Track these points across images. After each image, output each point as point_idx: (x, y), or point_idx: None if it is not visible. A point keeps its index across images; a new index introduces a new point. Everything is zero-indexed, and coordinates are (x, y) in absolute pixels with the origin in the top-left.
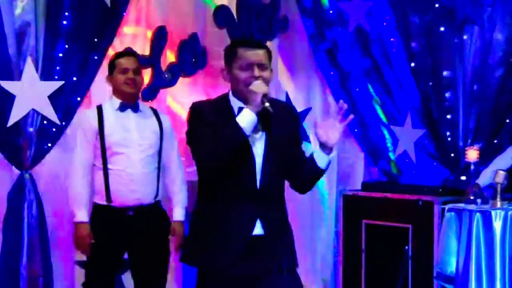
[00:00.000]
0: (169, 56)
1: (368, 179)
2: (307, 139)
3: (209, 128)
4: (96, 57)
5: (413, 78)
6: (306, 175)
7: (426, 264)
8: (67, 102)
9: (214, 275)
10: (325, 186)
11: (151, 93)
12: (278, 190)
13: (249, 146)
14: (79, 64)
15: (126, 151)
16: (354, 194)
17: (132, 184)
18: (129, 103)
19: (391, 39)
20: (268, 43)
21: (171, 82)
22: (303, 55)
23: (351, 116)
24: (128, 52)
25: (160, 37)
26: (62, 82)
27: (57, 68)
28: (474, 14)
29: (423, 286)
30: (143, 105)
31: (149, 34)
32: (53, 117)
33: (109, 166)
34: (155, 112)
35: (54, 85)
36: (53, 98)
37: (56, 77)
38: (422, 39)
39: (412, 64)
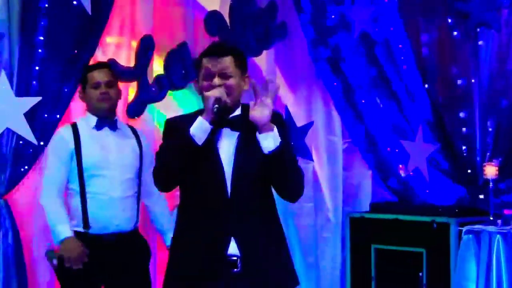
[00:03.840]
0: (157, 68)
1: (376, 199)
2: (308, 156)
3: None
4: (76, 70)
5: (424, 88)
6: (271, 175)
7: None
8: (45, 120)
9: None
10: (329, 207)
11: (137, 108)
12: (258, 200)
13: (212, 153)
14: (57, 78)
15: (105, 173)
16: (361, 216)
17: (111, 209)
18: (106, 121)
19: (399, 46)
20: (265, 53)
21: (158, 96)
22: (303, 64)
23: (277, 85)
24: (100, 64)
25: (146, 47)
26: (39, 98)
27: (34, 82)
28: (489, 17)
29: None
30: (121, 123)
31: (134, 44)
32: (30, 136)
33: (87, 189)
34: (134, 130)
35: (30, 101)
36: (30, 115)
37: (32, 93)
38: (433, 45)
39: (423, 73)
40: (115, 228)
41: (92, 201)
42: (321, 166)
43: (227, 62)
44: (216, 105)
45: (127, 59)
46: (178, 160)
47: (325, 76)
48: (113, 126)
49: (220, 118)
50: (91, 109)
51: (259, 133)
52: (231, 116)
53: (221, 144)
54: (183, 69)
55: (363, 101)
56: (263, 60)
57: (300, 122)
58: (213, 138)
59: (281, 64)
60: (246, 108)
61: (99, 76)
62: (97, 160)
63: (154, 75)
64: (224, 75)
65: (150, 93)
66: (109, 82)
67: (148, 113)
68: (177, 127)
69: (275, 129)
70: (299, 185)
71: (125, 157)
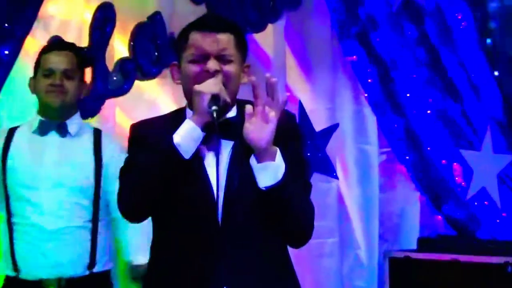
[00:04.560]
0: (119, 49)
1: (427, 233)
2: (330, 172)
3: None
4: (7, 52)
5: (493, 76)
6: (266, 213)
7: None
8: None
9: None
10: (360, 244)
11: (91, 105)
12: (258, 231)
13: (197, 169)
14: None
15: (33, 195)
16: (406, 257)
17: (43, 245)
18: (52, 123)
19: (457, 16)
20: (270, 27)
21: (122, 88)
22: (324, 43)
23: (285, 97)
24: (60, 44)
25: (104, 20)
26: None
27: None
28: None
29: None
30: (78, 125)
31: (88, 15)
32: None
33: (12, 218)
34: (97, 135)
35: None
36: None
37: None
38: (505, 17)
39: (490, 56)
40: (53, 272)
41: (19, 234)
42: (349, 186)
43: (227, 40)
44: (215, 106)
45: (77, 37)
46: (155, 181)
47: (354, 60)
48: (62, 130)
49: (217, 125)
50: (39, 106)
51: (256, 161)
52: (223, 118)
53: (209, 158)
54: (155, 50)
55: (407, 94)
56: (268, 38)
57: (320, 124)
58: (198, 148)
59: (294, 43)
60: (242, 107)
61: (54, 60)
62: (26, 177)
63: (116, 59)
64: (223, 58)
65: (110, 83)
66: (68, 71)
67: (106, 111)
68: (149, 135)
69: (278, 155)
70: (305, 228)
71: (66, 173)
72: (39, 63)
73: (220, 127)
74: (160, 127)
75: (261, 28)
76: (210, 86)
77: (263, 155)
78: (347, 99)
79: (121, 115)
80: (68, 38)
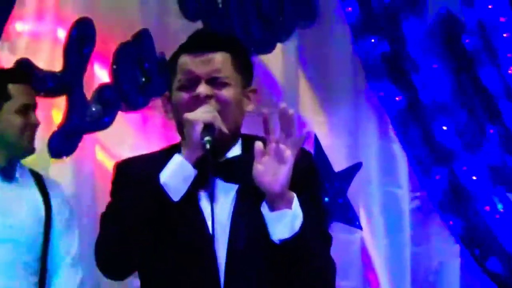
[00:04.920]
0: (99, 74)
1: None
2: (352, 221)
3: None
4: None
5: None
6: (282, 272)
7: None
8: None
9: None
10: None
11: (66, 142)
12: None
13: (193, 218)
14: None
15: None
16: None
17: None
18: (6, 167)
19: (504, 35)
20: (279, 47)
21: (103, 121)
22: (344, 65)
23: (305, 132)
24: (21, 74)
25: (81, 39)
26: None
27: None
28: None
29: None
30: (24, 168)
31: (62, 33)
32: None
33: None
34: (38, 179)
35: None
36: None
37: None
38: None
39: None
40: None
41: None
42: (375, 237)
43: (221, 60)
44: (208, 137)
45: (49, 59)
46: (141, 230)
47: (380, 86)
48: (10, 174)
49: (211, 159)
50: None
51: (269, 209)
52: (225, 157)
53: (207, 205)
54: (142, 75)
55: (444, 127)
56: (277, 60)
57: (339, 163)
58: (194, 193)
59: (308, 65)
60: (249, 144)
61: (24, 93)
62: None
63: (95, 86)
64: (215, 82)
65: (88, 115)
66: (34, 105)
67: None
68: (137, 175)
69: (295, 202)
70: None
71: (12, 224)
72: (7, 95)
73: (222, 167)
74: (150, 166)
75: (269, 48)
76: (202, 114)
77: (277, 202)
78: (372, 133)
79: (102, 153)
80: (38, 60)
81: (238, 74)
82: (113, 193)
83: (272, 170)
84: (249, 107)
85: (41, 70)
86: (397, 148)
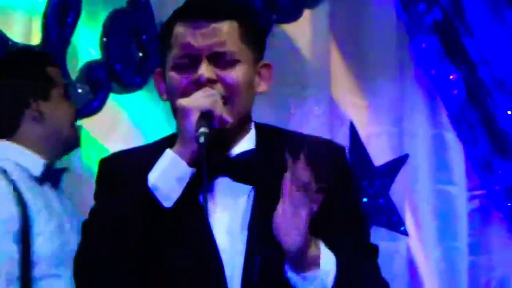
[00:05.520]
0: (86, 49)
1: None
2: (397, 225)
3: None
4: None
5: None
6: None
7: None
8: None
9: None
10: None
11: None
12: None
13: (198, 230)
14: None
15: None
16: None
17: None
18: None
19: None
20: (307, 13)
21: (91, 105)
22: (386, 38)
23: (320, 198)
24: (49, 54)
25: (64, 8)
26: None
27: None
28: None
29: None
30: None
31: (41, 2)
32: None
33: None
34: None
35: None
36: None
37: None
38: None
39: None
40: None
41: None
42: (425, 245)
43: (227, 31)
44: (203, 128)
45: (25, 32)
46: (124, 244)
47: (430, 62)
48: (56, 180)
49: (211, 155)
50: (42, 141)
51: (290, 269)
52: (234, 153)
53: (216, 214)
54: (139, 50)
55: (509, 112)
56: (304, 30)
57: (381, 156)
58: (198, 197)
59: (342, 37)
60: (265, 135)
61: (60, 76)
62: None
63: (81, 63)
64: (220, 60)
65: (73, 98)
66: None
67: None
68: (123, 173)
69: (324, 255)
70: None
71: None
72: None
73: (229, 165)
74: (142, 162)
75: (294, 15)
76: (199, 100)
77: (300, 263)
78: (421, 119)
79: (88, 145)
80: (13, 33)
81: (247, 47)
82: (96, 196)
83: (288, 222)
84: (262, 87)
85: (15, 44)
86: (451, 137)
